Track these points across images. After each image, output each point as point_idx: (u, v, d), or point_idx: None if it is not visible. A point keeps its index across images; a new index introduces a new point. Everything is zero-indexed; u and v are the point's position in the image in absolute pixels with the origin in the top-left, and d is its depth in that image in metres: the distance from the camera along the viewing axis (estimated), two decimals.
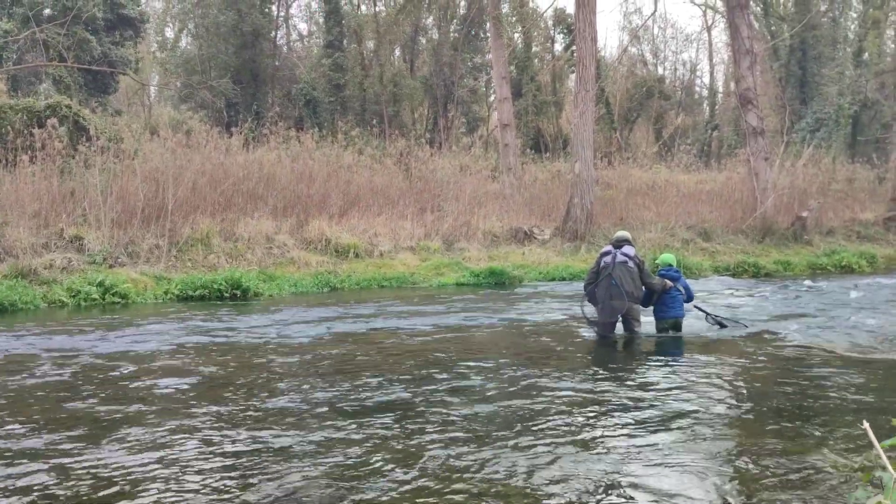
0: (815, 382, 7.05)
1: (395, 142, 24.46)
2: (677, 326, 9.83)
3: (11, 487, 4.24)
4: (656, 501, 4.13)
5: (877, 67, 36.97)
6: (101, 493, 4.18)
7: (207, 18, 32.95)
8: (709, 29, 44.52)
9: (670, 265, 10.10)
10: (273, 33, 35.68)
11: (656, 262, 10.46)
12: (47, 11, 26.18)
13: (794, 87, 37.56)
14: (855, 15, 40.57)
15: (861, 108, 35.88)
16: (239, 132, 20.51)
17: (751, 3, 29.84)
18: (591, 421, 5.65)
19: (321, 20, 36.89)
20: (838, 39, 39.71)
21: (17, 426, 5.40)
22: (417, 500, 4.11)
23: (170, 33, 39.90)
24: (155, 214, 15.35)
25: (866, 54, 38.10)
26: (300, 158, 20.15)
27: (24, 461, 4.66)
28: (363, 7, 37.36)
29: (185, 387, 6.65)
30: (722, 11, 39.45)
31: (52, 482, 4.33)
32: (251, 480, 4.37)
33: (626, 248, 9.59)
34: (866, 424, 2.43)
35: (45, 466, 4.57)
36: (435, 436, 5.20)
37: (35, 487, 4.25)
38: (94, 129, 17.57)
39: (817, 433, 5.39)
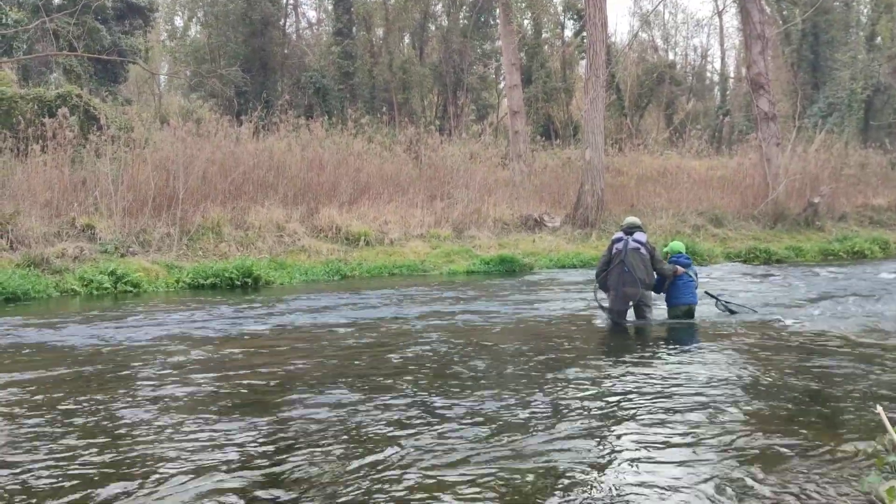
0: (828, 367, 7.02)
1: (404, 129, 24.45)
2: (690, 313, 9.81)
3: (42, 484, 4.29)
4: (668, 482, 4.13)
5: (889, 52, 36.64)
6: (113, 486, 4.22)
7: (216, 7, 32.98)
8: (720, 14, 44.12)
9: (680, 252, 10.06)
10: (282, 21, 35.70)
11: (665, 250, 10.42)
12: (57, 1, 26.22)
13: (806, 72, 37.29)
14: None
15: (874, 93, 35.61)
16: (249, 121, 20.50)
17: None
18: (604, 408, 5.65)
19: (330, 7, 36.88)
20: (851, 23, 39.38)
21: (68, 411, 5.45)
22: (428, 485, 4.13)
23: (179, 22, 40.03)
24: (166, 203, 15.44)
25: (879, 38, 37.80)
26: (310, 146, 20.17)
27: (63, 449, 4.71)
28: None
29: (202, 377, 6.70)
30: None
31: (64, 472, 4.38)
32: (278, 469, 4.41)
33: (638, 235, 9.58)
34: (880, 409, 2.43)
35: (64, 457, 4.62)
36: (448, 424, 5.22)
37: (57, 474, 4.30)
38: (105, 118, 17.63)
39: (830, 418, 5.38)
